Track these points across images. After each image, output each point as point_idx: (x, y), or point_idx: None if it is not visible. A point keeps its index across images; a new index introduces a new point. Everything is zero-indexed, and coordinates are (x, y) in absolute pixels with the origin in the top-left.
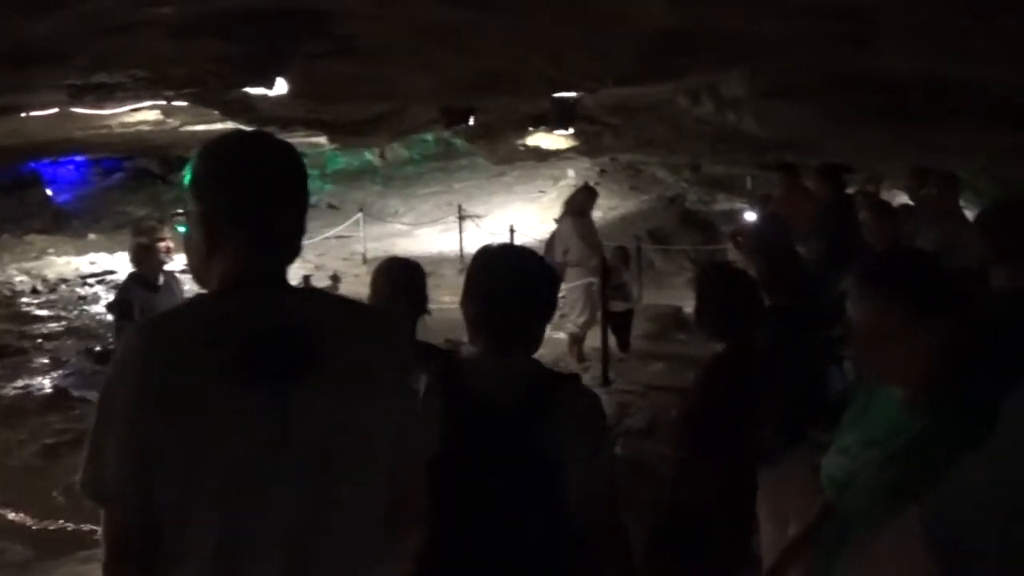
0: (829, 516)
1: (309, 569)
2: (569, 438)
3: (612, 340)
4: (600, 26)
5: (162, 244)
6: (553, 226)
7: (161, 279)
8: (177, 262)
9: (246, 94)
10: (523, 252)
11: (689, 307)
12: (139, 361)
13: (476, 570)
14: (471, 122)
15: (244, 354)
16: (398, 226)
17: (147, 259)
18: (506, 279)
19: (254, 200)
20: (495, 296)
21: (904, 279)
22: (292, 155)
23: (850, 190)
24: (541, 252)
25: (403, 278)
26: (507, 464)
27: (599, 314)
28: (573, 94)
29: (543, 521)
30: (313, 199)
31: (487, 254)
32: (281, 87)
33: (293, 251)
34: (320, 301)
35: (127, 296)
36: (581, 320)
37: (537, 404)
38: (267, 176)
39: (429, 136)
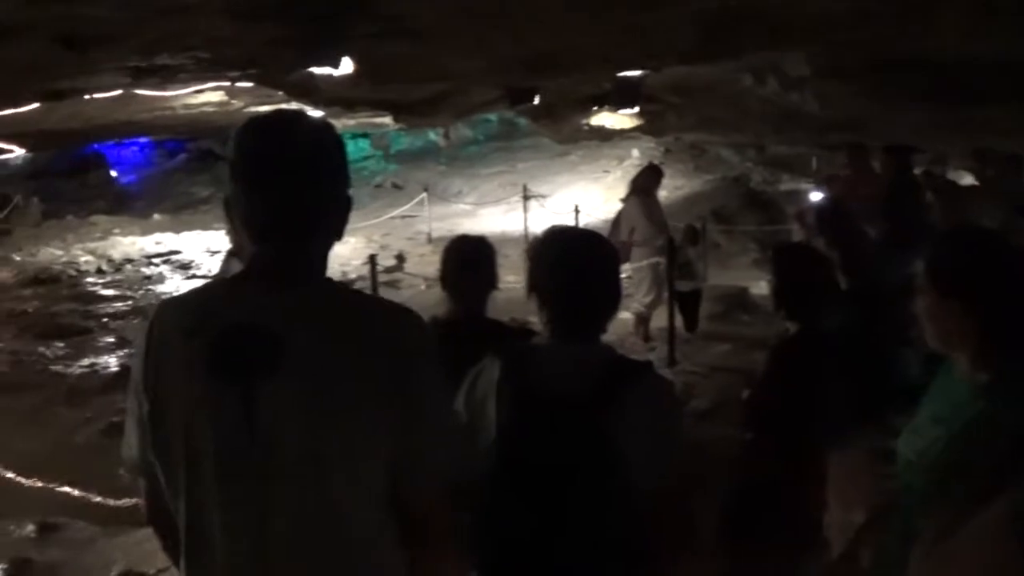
0: (900, 498)
1: (273, 573)
2: (642, 427)
3: (678, 320)
4: (656, 4)
5: None
6: (618, 206)
7: None
8: None
9: (310, 75)
10: (590, 236)
11: (754, 288)
12: (144, 340)
13: (544, 557)
14: (535, 101)
15: (215, 348)
16: (462, 206)
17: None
18: (576, 264)
19: (253, 188)
20: (566, 282)
21: (965, 259)
22: (313, 140)
23: (916, 171)
24: (606, 232)
25: (473, 255)
26: (579, 453)
27: (665, 294)
28: (637, 73)
29: (613, 509)
30: (378, 179)
31: (554, 238)
32: (347, 67)
33: (303, 240)
34: (309, 298)
35: (226, 270)
36: (647, 300)
37: (610, 392)
38: (271, 164)
39: (492, 116)
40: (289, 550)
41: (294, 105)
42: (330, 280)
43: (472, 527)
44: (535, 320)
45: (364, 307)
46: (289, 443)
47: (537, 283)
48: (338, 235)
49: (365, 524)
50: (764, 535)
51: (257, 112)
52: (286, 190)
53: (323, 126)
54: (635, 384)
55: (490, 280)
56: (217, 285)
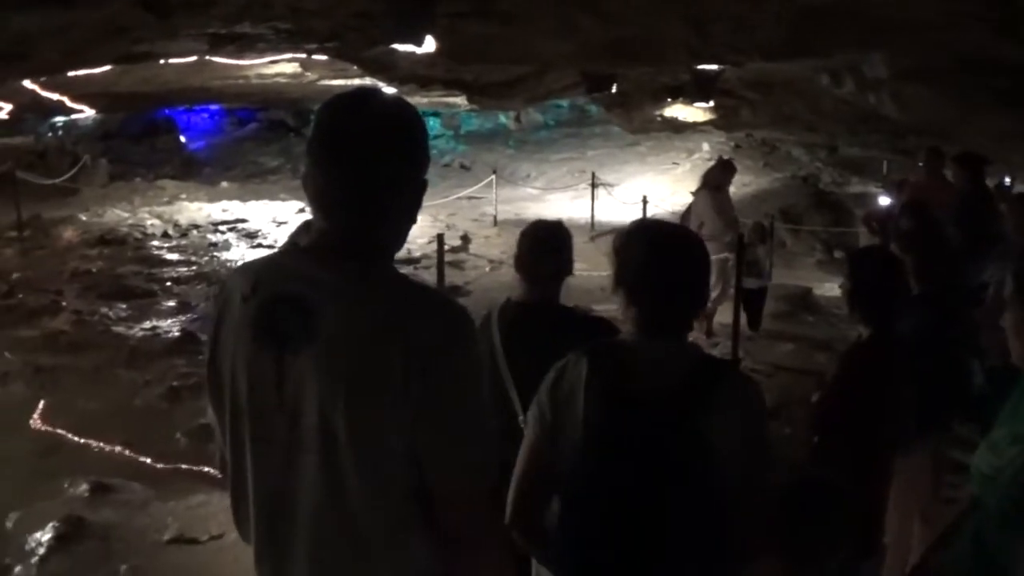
0: (973, 512)
1: (281, 537)
2: (730, 428)
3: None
4: None
5: None
6: (686, 198)
7: None
8: None
9: (388, 51)
10: (681, 231)
11: (818, 289)
12: (216, 303)
13: (634, 556)
14: (613, 89)
15: (259, 314)
16: (529, 190)
17: None
18: (668, 261)
19: (318, 163)
20: (657, 279)
21: None
22: (384, 119)
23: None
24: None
25: (552, 240)
26: (665, 451)
27: (731, 290)
28: (715, 67)
29: (703, 508)
30: (446, 159)
31: (644, 232)
32: (429, 45)
33: (358, 217)
34: (354, 278)
35: (296, 239)
36: (713, 295)
37: (701, 391)
38: (337, 140)
39: (564, 102)
40: (295, 519)
41: (368, 81)
42: (386, 262)
43: (560, 524)
44: (599, 308)
45: (406, 294)
46: (307, 417)
47: (625, 278)
48: (409, 217)
49: (379, 512)
50: (825, 538)
51: (332, 85)
52: (348, 167)
53: (400, 106)
54: (725, 383)
55: (566, 266)
56: (280, 255)
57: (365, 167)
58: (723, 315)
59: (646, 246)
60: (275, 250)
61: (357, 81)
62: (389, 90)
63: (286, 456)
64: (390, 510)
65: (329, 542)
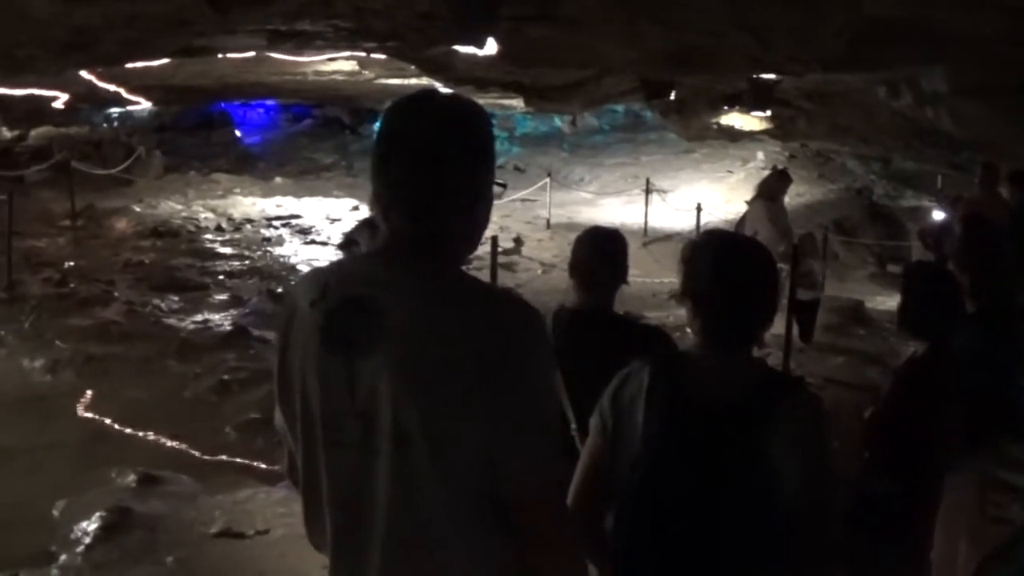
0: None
1: (356, 543)
2: (792, 444)
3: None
4: (811, 8)
5: None
6: (740, 207)
7: None
8: None
9: (447, 52)
10: (750, 243)
11: (870, 302)
12: (283, 310)
13: (690, 567)
14: (672, 96)
15: (327, 318)
16: (583, 194)
17: None
18: (737, 273)
19: (380, 164)
20: (725, 291)
21: None
22: (448, 121)
23: None
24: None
25: (609, 247)
26: (721, 465)
27: (784, 301)
28: (773, 76)
29: (752, 525)
30: (500, 160)
31: (714, 243)
32: (490, 47)
33: (424, 221)
34: (425, 279)
35: (353, 236)
36: None
37: (763, 405)
38: (404, 143)
39: (619, 107)
40: (369, 524)
41: (425, 81)
42: (455, 265)
43: (615, 532)
44: (651, 315)
45: (478, 295)
46: (380, 419)
47: (692, 288)
48: (478, 219)
49: (444, 513)
50: (874, 555)
51: (389, 84)
52: (414, 169)
53: (466, 107)
54: (788, 399)
55: (621, 275)
56: (347, 260)
57: (430, 169)
58: (774, 326)
59: (714, 257)
60: (340, 257)
61: (414, 81)
62: (446, 91)
63: (360, 460)
64: (464, 511)
65: (403, 545)
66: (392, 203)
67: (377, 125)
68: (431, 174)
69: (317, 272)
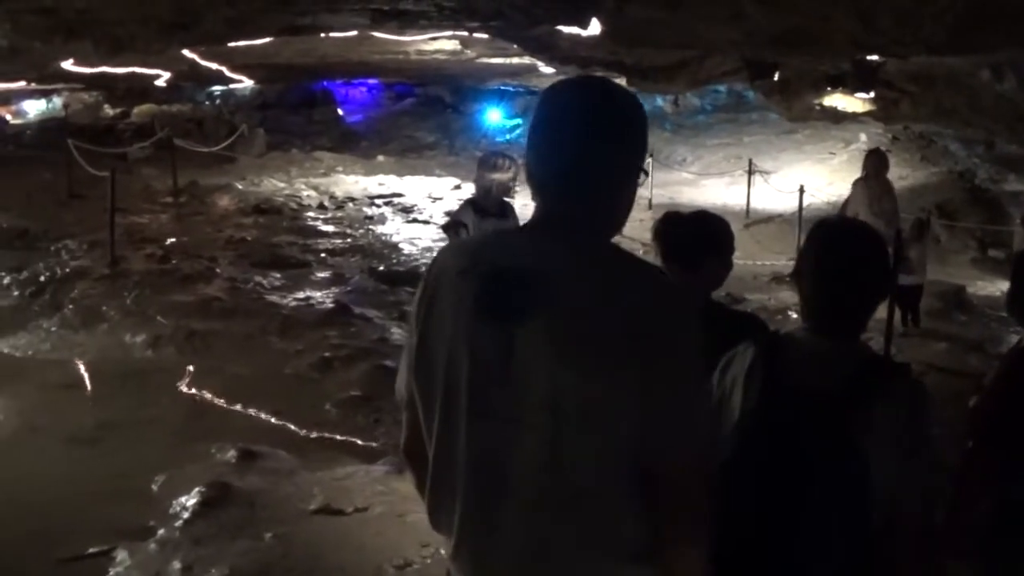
0: None
1: (502, 513)
2: (891, 435)
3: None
4: None
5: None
6: (843, 189)
7: (497, 208)
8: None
9: (550, 32)
10: (862, 229)
11: (972, 287)
12: (425, 278)
13: (775, 552)
14: (775, 77)
15: (482, 287)
16: (685, 175)
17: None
18: (843, 257)
19: (542, 147)
20: (831, 274)
21: None
22: (606, 106)
23: None
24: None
25: (720, 235)
26: (820, 450)
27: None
28: (876, 58)
29: (848, 513)
30: None
31: (826, 228)
32: (594, 27)
33: (582, 198)
34: (584, 253)
35: (459, 218)
36: None
37: (862, 392)
38: (551, 123)
39: (722, 87)
40: (517, 494)
41: (527, 61)
42: (608, 240)
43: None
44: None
45: (637, 272)
46: (534, 390)
47: (801, 271)
48: (624, 201)
49: (596, 483)
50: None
51: (491, 63)
52: (568, 150)
53: (622, 94)
54: (890, 386)
55: (725, 260)
56: (494, 233)
57: (598, 150)
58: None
59: (821, 240)
60: (485, 232)
61: (516, 60)
62: (548, 70)
63: (507, 432)
64: (612, 480)
65: (553, 514)
66: (552, 181)
67: (539, 106)
68: (599, 155)
69: (463, 243)
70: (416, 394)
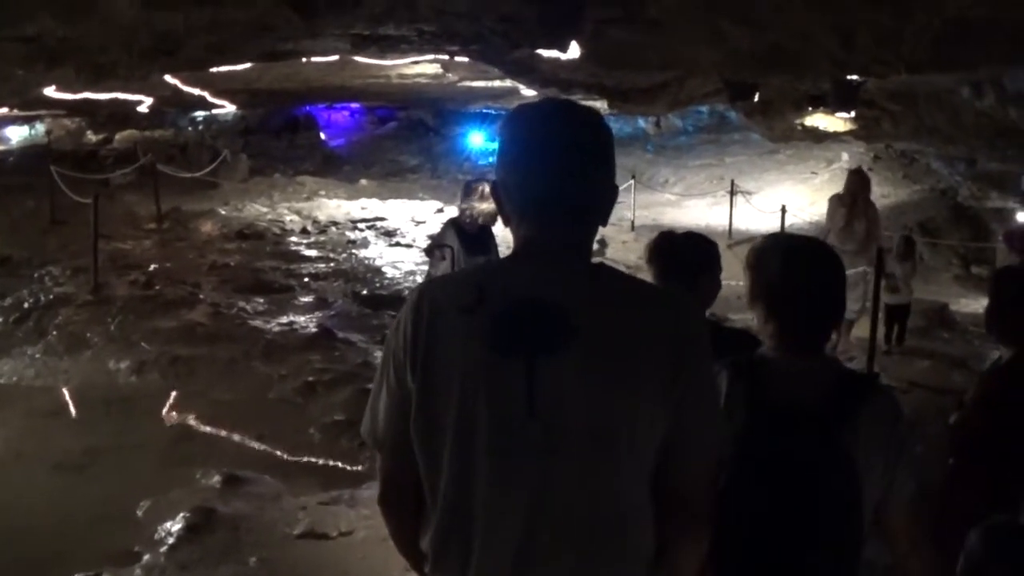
0: None
1: (539, 549)
2: (874, 446)
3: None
4: (895, 9)
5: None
6: (825, 209)
7: (478, 229)
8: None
9: (530, 55)
10: (816, 245)
11: (955, 304)
12: (411, 317)
13: (767, 569)
14: (756, 98)
15: (498, 322)
16: (667, 196)
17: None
18: (806, 276)
19: (528, 171)
20: (796, 295)
21: None
22: (585, 126)
23: None
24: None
25: (709, 252)
26: (806, 466)
27: (868, 304)
28: (856, 77)
29: (839, 526)
30: None
31: (779, 247)
32: (574, 51)
33: (580, 222)
34: (590, 277)
35: (443, 240)
36: (856, 307)
37: (841, 407)
38: (545, 147)
39: (703, 108)
40: (559, 527)
41: (508, 83)
42: (601, 262)
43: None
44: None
45: (642, 289)
46: (571, 418)
47: (761, 294)
48: (603, 221)
49: (634, 503)
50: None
51: (473, 87)
52: (556, 174)
53: (598, 115)
54: (870, 400)
55: (719, 281)
56: (488, 265)
57: (572, 174)
58: (858, 329)
59: (780, 261)
60: (474, 264)
61: (498, 83)
62: (529, 92)
63: (539, 462)
64: (643, 497)
65: (600, 547)
66: (542, 204)
67: (508, 132)
68: (590, 177)
69: (453, 278)
70: (416, 443)
